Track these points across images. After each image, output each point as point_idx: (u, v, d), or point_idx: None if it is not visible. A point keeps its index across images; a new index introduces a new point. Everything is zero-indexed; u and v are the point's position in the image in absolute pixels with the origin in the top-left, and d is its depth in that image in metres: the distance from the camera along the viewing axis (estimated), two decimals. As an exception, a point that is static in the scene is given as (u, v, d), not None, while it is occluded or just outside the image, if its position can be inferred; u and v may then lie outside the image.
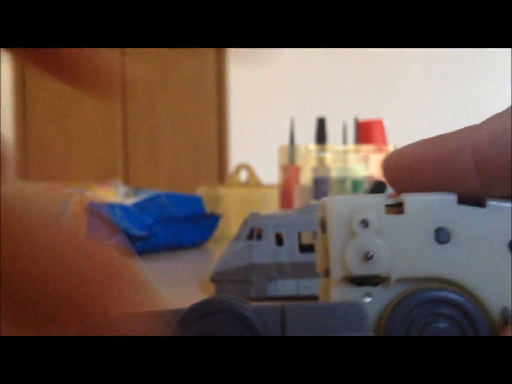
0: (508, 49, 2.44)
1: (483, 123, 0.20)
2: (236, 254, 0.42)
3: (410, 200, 0.21)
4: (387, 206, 0.21)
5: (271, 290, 0.41)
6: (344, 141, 0.78)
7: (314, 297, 0.41)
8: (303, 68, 2.63)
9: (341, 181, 0.74)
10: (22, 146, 2.59)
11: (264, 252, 0.42)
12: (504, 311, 0.20)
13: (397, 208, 0.21)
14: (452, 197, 0.21)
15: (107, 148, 2.60)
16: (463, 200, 0.21)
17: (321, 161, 0.75)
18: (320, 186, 0.72)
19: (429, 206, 0.20)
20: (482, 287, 0.20)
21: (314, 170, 0.74)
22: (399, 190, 0.22)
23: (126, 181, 2.46)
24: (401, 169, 0.21)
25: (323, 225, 0.22)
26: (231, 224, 0.84)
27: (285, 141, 0.79)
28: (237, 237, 0.44)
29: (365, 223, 0.20)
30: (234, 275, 0.42)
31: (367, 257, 0.20)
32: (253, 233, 0.43)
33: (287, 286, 0.41)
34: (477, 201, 0.21)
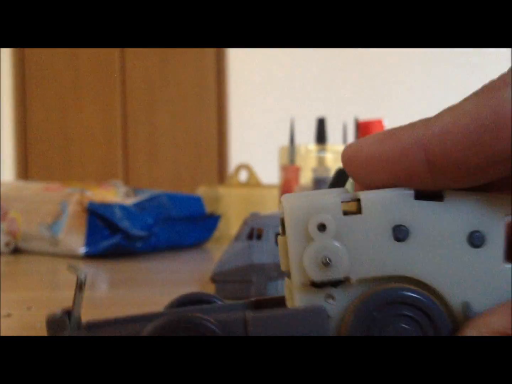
0: (508, 49, 2.44)
1: (435, 117, 0.20)
2: (236, 254, 0.42)
3: (366, 198, 0.20)
4: (344, 202, 0.21)
5: (271, 290, 0.41)
6: (344, 141, 0.78)
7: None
8: (303, 68, 2.63)
9: (341, 181, 0.74)
10: (22, 146, 2.59)
11: (264, 252, 0.42)
12: (465, 305, 0.20)
13: (354, 203, 0.21)
14: (409, 193, 0.20)
15: (107, 148, 2.60)
16: (420, 195, 0.20)
17: (321, 161, 0.75)
18: (320, 186, 0.72)
19: (386, 203, 0.20)
20: (443, 283, 0.20)
21: (314, 170, 0.74)
22: (358, 182, 0.22)
23: (126, 181, 2.46)
24: (358, 163, 0.21)
25: (283, 226, 0.21)
26: (231, 224, 0.84)
27: (285, 141, 0.79)
28: (237, 237, 0.44)
29: (322, 227, 0.20)
30: (234, 275, 0.42)
31: (325, 263, 0.20)
32: (253, 233, 0.43)
33: (287, 286, 0.41)
34: (434, 196, 0.20)
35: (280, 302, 0.23)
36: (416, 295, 0.20)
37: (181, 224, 0.75)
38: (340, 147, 0.76)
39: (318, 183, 0.73)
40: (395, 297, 0.20)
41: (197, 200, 0.80)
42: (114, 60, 2.58)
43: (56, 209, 0.72)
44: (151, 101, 2.59)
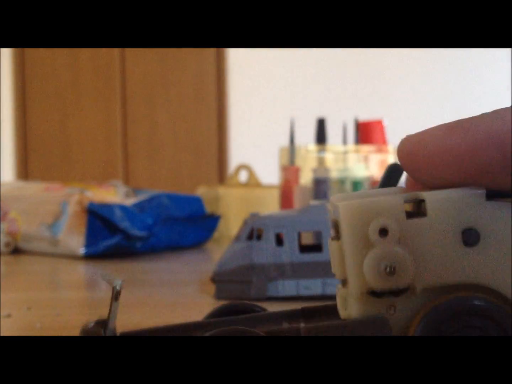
0: (508, 49, 2.44)
1: (504, 109, 0.18)
2: (236, 254, 0.42)
3: (432, 198, 0.18)
4: (407, 203, 0.19)
5: (271, 290, 0.41)
6: (344, 141, 0.78)
7: (314, 298, 0.41)
8: (303, 68, 2.63)
9: (341, 181, 0.74)
10: (22, 146, 2.59)
11: (264, 252, 0.42)
12: None
13: (416, 204, 0.19)
14: (480, 193, 0.18)
15: (107, 148, 2.60)
16: (492, 195, 0.19)
17: (321, 161, 0.75)
18: (320, 186, 0.72)
19: (454, 205, 0.18)
20: None
21: (314, 170, 0.74)
22: (416, 178, 0.20)
23: (126, 181, 2.46)
24: (419, 158, 0.19)
25: (336, 229, 0.20)
26: (231, 224, 0.84)
27: (285, 141, 0.79)
28: (237, 238, 0.44)
29: (384, 232, 0.18)
30: (234, 275, 0.42)
31: (389, 272, 0.18)
32: (253, 233, 0.43)
33: (287, 287, 0.41)
34: (507, 196, 0.19)
35: (331, 311, 0.21)
36: (487, 305, 0.18)
37: (181, 224, 0.75)
38: (340, 148, 0.76)
39: (318, 183, 0.73)
40: (465, 307, 0.18)
41: (197, 201, 0.80)
42: (114, 60, 2.58)
43: (56, 210, 0.72)
44: (151, 101, 2.59)
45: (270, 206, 0.83)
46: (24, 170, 2.59)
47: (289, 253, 0.42)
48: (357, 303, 0.19)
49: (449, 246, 0.18)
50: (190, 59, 2.57)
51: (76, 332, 0.22)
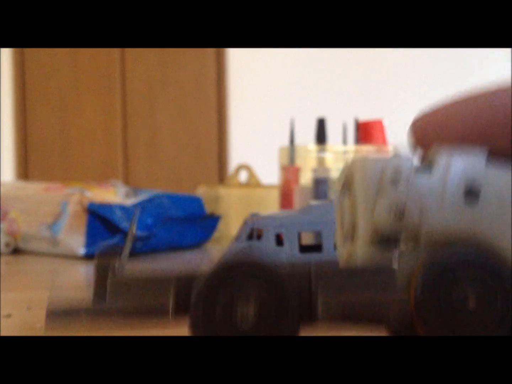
0: (508, 49, 2.44)
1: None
2: (236, 254, 0.42)
3: (440, 159, 0.20)
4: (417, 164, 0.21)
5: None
6: (344, 141, 0.78)
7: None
8: (303, 68, 2.63)
9: (341, 181, 0.74)
10: (22, 146, 2.59)
11: (264, 252, 0.42)
12: None
13: (426, 167, 0.21)
14: (482, 157, 0.20)
15: (107, 148, 2.60)
16: (492, 160, 0.21)
17: (321, 161, 0.75)
18: (320, 186, 0.72)
19: (458, 165, 0.20)
20: (510, 246, 0.20)
21: (314, 170, 0.74)
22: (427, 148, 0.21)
23: (126, 181, 2.47)
24: (432, 129, 0.21)
25: (348, 189, 0.21)
26: (231, 224, 0.84)
27: (285, 141, 0.79)
28: (237, 238, 0.44)
29: (395, 181, 0.20)
30: (234, 275, 0.42)
31: (399, 212, 0.20)
32: (253, 233, 0.43)
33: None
34: (506, 162, 0.21)
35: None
36: (483, 255, 0.20)
37: (181, 224, 0.75)
38: (340, 148, 0.76)
39: (318, 183, 0.73)
40: (464, 258, 0.20)
41: (197, 201, 0.80)
42: (114, 60, 2.58)
43: (56, 210, 0.72)
44: (151, 101, 2.59)
45: (270, 206, 0.83)
46: (24, 170, 2.59)
47: (289, 253, 0.42)
48: (365, 248, 0.20)
49: (451, 202, 0.20)
50: (190, 59, 2.57)
51: (75, 332, 0.22)
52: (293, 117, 0.79)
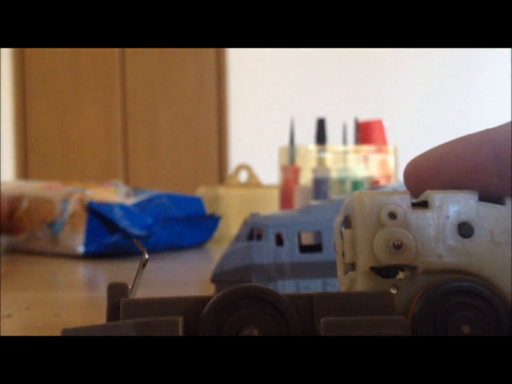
0: (508, 49, 2.44)
1: (505, 123, 0.21)
2: (236, 254, 0.42)
3: (435, 196, 0.22)
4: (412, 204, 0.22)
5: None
6: (344, 141, 0.78)
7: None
8: (303, 68, 2.63)
9: (341, 181, 0.74)
10: (22, 146, 2.59)
11: (264, 252, 0.42)
12: None
13: (420, 206, 0.22)
14: (474, 194, 0.22)
15: (107, 148, 2.60)
16: (483, 198, 0.22)
17: (321, 161, 0.75)
18: (320, 186, 0.72)
19: (454, 202, 0.22)
20: (502, 278, 0.21)
21: (314, 170, 0.74)
22: (417, 195, 0.23)
23: (126, 181, 2.46)
24: (423, 169, 0.22)
25: (349, 222, 0.23)
26: (231, 224, 0.84)
27: (285, 141, 0.79)
28: (237, 238, 0.44)
29: (393, 215, 0.21)
30: (234, 275, 0.42)
31: (396, 246, 0.21)
32: (253, 233, 0.43)
33: (287, 287, 0.41)
34: (496, 200, 0.22)
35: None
36: (475, 284, 0.21)
37: (181, 224, 0.75)
38: (340, 148, 0.76)
39: (318, 183, 0.73)
40: (457, 286, 0.21)
41: (197, 201, 0.80)
42: (114, 60, 2.58)
43: (57, 208, 0.72)
44: (151, 101, 2.59)
45: (270, 206, 0.83)
46: (24, 170, 2.59)
47: (289, 253, 0.42)
48: (364, 279, 0.22)
49: (447, 236, 0.22)
50: (190, 59, 2.57)
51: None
52: (293, 117, 0.79)
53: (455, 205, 0.22)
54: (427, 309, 0.21)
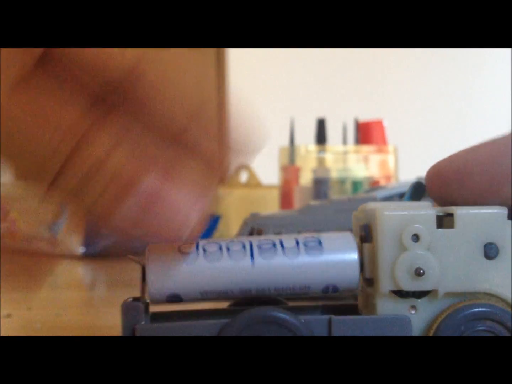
0: (508, 49, 2.44)
1: None
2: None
3: (461, 213, 0.21)
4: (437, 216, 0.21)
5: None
6: (344, 142, 0.78)
7: (313, 298, 0.41)
8: (303, 68, 2.63)
9: (341, 181, 0.74)
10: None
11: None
12: None
13: (446, 218, 0.21)
14: (503, 212, 0.21)
15: (107, 148, 2.60)
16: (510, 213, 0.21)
17: (321, 161, 0.75)
18: (320, 186, 0.72)
19: (480, 221, 0.21)
20: None
21: (314, 170, 0.74)
22: (440, 201, 0.22)
23: (126, 181, 2.46)
24: (447, 173, 0.21)
25: (369, 233, 0.21)
26: (231, 224, 0.84)
27: (285, 141, 0.79)
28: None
29: (416, 238, 0.20)
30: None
31: (418, 273, 0.20)
32: (253, 233, 0.43)
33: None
34: None
35: (352, 309, 0.23)
36: (496, 311, 0.20)
37: (181, 224, 0.75)
38: (340, 148, 0.76)
39: (318, 183, 0.73)
40: (479, 312, 0.20)
41: (197, 200, 0.80)
42: (114, 60, 2.58)
43: (56, 209, 0.72)
44: (151, 101, 2.59)
45: (270, 206, 0.83)
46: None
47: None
48: (382, 301, 0.21)
49: (471, 257, 0.21)
50: (190, 59, 2.57)
51: (76, 332, 0.22)
52: (293, 117, 0.79)
53: (482, 224, 0.21)
54: (449, 333, 0.20)
